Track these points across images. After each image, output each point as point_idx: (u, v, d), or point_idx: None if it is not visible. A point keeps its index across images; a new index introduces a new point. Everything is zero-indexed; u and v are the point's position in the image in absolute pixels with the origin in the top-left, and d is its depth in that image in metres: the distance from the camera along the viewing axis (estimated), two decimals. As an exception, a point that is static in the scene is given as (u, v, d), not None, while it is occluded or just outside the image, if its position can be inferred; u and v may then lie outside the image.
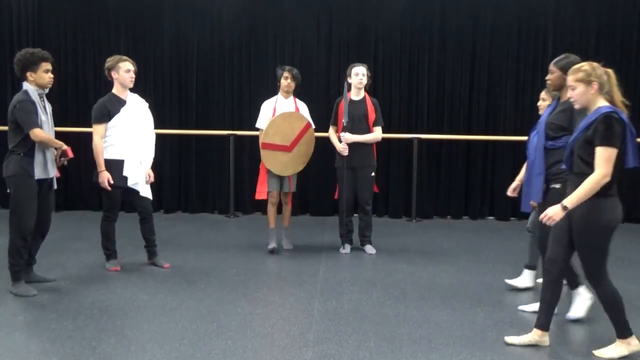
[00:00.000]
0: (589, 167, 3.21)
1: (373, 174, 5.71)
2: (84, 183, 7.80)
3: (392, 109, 7.60)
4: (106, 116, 4.85)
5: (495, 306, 4.24)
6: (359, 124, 5.60)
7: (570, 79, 3.34)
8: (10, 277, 4.35)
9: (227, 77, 7.74)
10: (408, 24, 7.63)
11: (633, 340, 3.36)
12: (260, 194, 5.75)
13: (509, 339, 3.57)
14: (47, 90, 4.34)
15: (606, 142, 3.15)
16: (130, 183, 4.89)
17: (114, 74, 4.90)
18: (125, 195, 5.03)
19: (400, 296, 4.45)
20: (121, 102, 4.92)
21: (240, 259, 5.46)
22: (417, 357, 3.35)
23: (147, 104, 5.14)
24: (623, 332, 3.35)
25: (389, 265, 5.35)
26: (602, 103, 3.28)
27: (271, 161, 5.59)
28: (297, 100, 5.82)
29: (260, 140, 5.59)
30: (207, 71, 7.73)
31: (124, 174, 4.86)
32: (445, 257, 5.50)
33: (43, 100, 4.33)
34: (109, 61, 4.93)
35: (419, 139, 7.51)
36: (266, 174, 5.66)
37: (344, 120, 5.57)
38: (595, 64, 3.33)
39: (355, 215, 5.96)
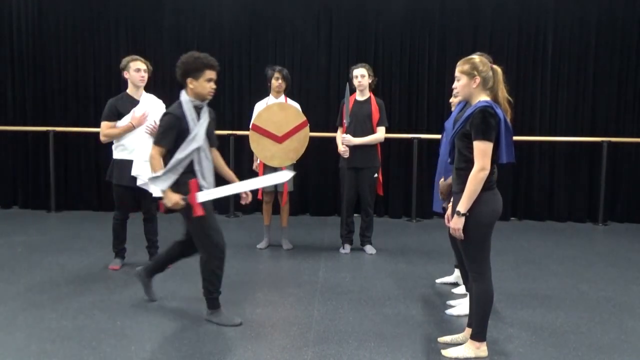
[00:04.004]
0: (467, 162, 3.19)
1: (376, 175, 5.71)
2: (84, 183, 7.80)
3: (392, 109, 7.59)
4: (115, 115, 4.85)
5: (493, 305, 4.23)
6: (363, 124, 5.60)
7: (456, 69, 3.31)
8: (206, 305, 3.87)
9: (227, 77, 7.74)
10: (408, 24, 7.63)
11: (483, 346, 3.34)
12: (261, 193, 5.80)
13: (442, 339, 3.56)
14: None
15: (481, 136, 3.11)
16: (139, 182, 4.88)
17: (126, 74, 4.93)
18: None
19: (400, 296, 4.45)
20: (133, 102, 4.93)
21: (240, 259, 5.46)
22: (417, 357, 3.36)
23: (163, 105, 5.08)
24: (479, 334, 3.33)
25: (389, 265, 5.36)
26: (483, 98, 3.22)
27: (258, 146, 5.61)
28: (288, 99, 5.83)
29: (252, 121, 5.63)
30: (207, 71, 7.73)
31: (133, 173, 4.85)
32: (445, 257, 5.49)
33: None
34: (122, 61, 4.96)
35: (419, 139, 7.52)
36: (262, 173, 5.69)
37: (345, 121, 5.58)
38: (484, 59, 3.28)
39: (357, 215, 5.96)
